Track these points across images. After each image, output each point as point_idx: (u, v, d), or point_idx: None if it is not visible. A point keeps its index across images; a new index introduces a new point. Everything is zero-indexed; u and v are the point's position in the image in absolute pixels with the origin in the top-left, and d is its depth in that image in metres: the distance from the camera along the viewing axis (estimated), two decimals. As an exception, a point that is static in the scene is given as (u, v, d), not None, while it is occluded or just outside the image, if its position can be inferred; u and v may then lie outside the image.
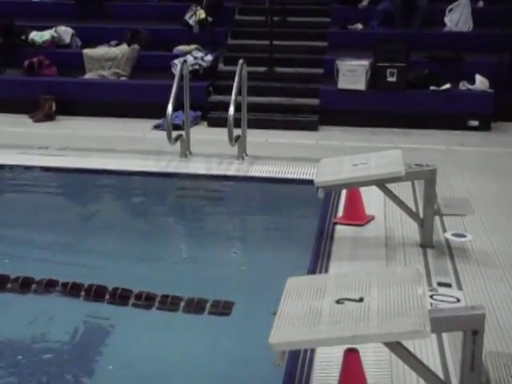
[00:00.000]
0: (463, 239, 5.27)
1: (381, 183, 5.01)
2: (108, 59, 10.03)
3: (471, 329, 2.90)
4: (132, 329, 4.30)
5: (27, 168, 7.37)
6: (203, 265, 5.31)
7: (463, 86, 9.11)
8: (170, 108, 7.29)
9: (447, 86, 9.05)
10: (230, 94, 7.31)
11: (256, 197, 6.97)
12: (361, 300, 2.99)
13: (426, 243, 5.09)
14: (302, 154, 7.71)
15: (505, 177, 6.90)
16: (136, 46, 10.13)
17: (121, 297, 4.55)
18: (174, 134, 7.39)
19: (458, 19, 9.93)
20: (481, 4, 10.40)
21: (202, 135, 8.38)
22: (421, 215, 5.14)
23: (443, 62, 9.35)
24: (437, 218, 5.26)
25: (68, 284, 4.69)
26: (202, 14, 10.30)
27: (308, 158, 7.29)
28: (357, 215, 5.60)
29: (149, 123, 8.98)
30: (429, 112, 9.01)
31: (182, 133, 7.66)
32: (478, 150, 8.08)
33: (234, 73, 7.51)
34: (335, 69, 9.24)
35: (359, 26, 10.31)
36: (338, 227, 5.51)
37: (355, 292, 3.06)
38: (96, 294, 4.59)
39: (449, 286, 4.48)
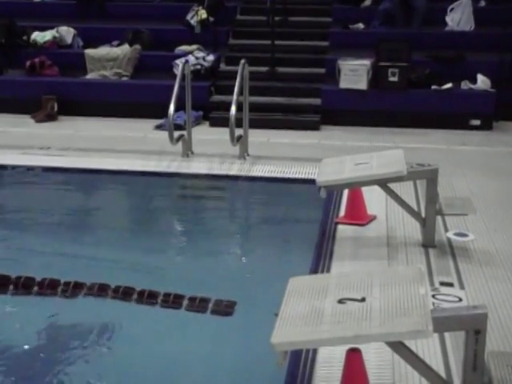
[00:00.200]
0: (465, 239, 5.27)
1: (383, 183, 5.01)
2: (110, 59, 10.03)
3: (473, 328, 2.90)
4: (134, 326, 4.31)
5: (29, 168, 7.38)
6: (204, 264, 5.31)
7: (465, 85, 9.11)
8: (171, 108, 7.29)
9: (449, 85, 9.04)
10: (232, 94, 7.31)
11: (258, 197, 6.97)
12: (363, 300, 2.98)
13: (428, 243, 5.09)
14: (303, 153, 7.70)
15: (506, 176, 6.90)
16: (138, 46, 10.13)
17: (124, 293, 4.58)
18: (176, 134, 7.39)
19: (459, 19, 9.93)
20: (482, 3, 10.40)
21: (204, 135, 8.37)
22: (423, 215, 5.14)
23: (445, 61, 9.35)
24: (439, 217, 5.26)
25: (70, 283, 4.69)
26: (203, 13, 10.30)
27: (310, 158, 7.29)
28: (359, 215, 5.60)
29: (150, 123, 8.97)
30: (430, 111, 9.00)
31: (184, 133, 7.67)
32: (479, 149, 8.08)
33: (236, 73, 7.51)
34: (337, 68, 9.23)
35: (361, 25, 10.31)
36: (340, 227, 5.51)
37: (357, 292, 3.06)
38: (99, 290, 4.61)
39: (451, 285, 4.48)
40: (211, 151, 7.69)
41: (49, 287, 4.70)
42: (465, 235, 5.32)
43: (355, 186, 5.37)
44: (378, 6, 10.29)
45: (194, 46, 9.99)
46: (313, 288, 3.16)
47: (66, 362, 3.98)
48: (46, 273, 4.84)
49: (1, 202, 6.95)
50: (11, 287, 4.75)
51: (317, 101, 9.31)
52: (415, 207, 5.60)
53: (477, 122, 8.91)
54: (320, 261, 4.85)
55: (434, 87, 9.05)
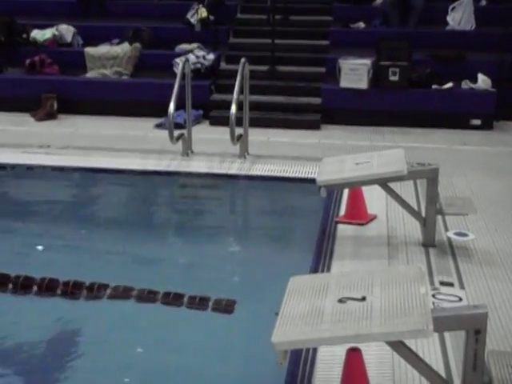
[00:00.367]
0: (465, 238, 5.26)
1: (383, 182, 5.01)
2: (110, 58, 10.02)
3: (473, 328, 2.89)
4: (134, 326, 4.31)
5: (29, 167, 7.37)
6: (204, 263, 5.31)
7: (465, 84, 9.10)
8: (171, 107, 7.28)
9: (449, 84, 9.03)
10: (232, 93, 7.30)
11: (258, 196, 6.97)
12: (363, 299, 2.98)
13: (429, 242, 5.08)
14: (304, 152, 7.70)
15: (507, 176, 6.89)
16: (138, 45, 10.12)
17: (123, 292, 4.58)
18: (176, 132, 7.38)
19: (460, 18, 9.92)
20: (483, 3, 10.37)
21: (204, 134, 8.36)
22: (423, 214, 5.14)
23: (445, 60, 9.34)
24: (439, 217, 5.25)
25: (69, 283, 4.69)
26: (203, 12, 10.29)
27: (310, 157, 7.28)
28: (359, 214, 5.59)
29: (150, 122, 8.97)
30: (431, 111, 8.99)
31: (184, 132, 7.66)
32: (480, 149, 8.07)
33: (236, 71, 7.50)
34: (337, 67, 9.22)
35: (361, 24, 10.29)
36: (340, 226, 5.50)
37: (357, 291, 3.05)
38: (98, 289, 4.61)
39: (451, 285, 4.47)
40: (211, 150, 7.68)
41: (48, 287, 4.70)
42: (465, 235, 5.32)
43: (355, 186, 5.36)
44: (379, 6, 10.29)
45: (195, 45, 9.97)
46: (313, 287, 3.15)
47: (66, 361, 3.99)
48: (46, 272, 4.83)
49: (0, 201, 6.95)
50: (10, 286, 4.75)
51: (317, 100, 9.30)
52: (415, 207, 5.60)
53: (477, 122, 8.90)
54: (320, 260, 4.85)
55: (434, 87, 9.04)
